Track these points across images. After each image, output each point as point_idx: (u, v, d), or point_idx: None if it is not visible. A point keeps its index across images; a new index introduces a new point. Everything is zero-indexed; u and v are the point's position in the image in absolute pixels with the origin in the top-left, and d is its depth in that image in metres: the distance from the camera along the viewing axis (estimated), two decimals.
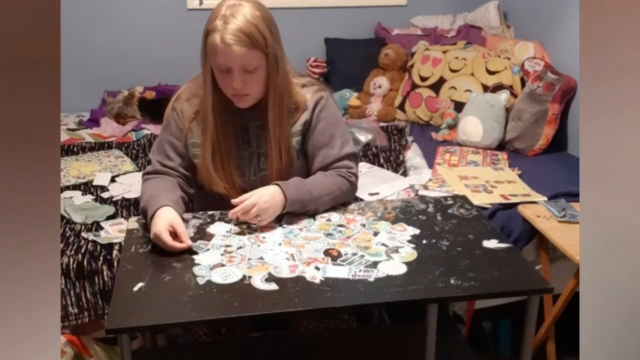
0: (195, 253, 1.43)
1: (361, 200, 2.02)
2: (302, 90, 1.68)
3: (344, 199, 1.69)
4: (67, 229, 1.94)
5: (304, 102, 1.67)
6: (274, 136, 1.62)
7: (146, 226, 1.54)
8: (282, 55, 1.59)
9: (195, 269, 1.36)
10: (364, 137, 2.77)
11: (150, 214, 1.50)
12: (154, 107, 3.00)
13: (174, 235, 1.44)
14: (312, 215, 1.62)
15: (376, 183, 2.28)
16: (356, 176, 1.71)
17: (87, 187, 2.26)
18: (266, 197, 1.53)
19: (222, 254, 1.42)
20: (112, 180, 2.32)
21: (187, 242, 1.44)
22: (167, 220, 1.45)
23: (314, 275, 1.33)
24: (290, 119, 1.65)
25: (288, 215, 1.61)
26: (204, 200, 1.75)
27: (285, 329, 2.07)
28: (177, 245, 1.42)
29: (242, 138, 1.67)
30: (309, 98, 1.67)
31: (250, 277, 1.33)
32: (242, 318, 1.24)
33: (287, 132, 1.65)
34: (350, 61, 3.29)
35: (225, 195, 1.64)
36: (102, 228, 1.94)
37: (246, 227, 1.55)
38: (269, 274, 1.34)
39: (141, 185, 1.68)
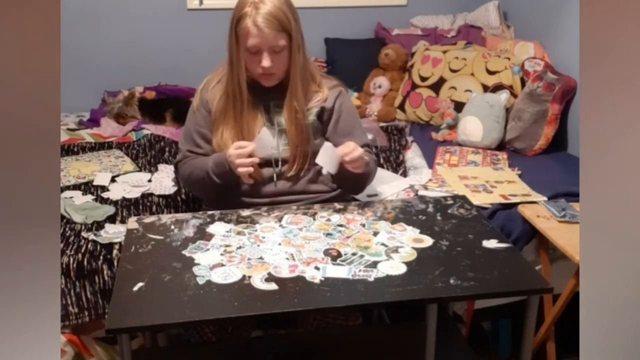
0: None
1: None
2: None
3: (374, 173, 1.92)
4: (67, 229, 1.94)
5: (323, 87, 1.85)
6: (293, 112, 1.78)
7: (146, 226, 1.56)
8: (302, 39, 1.78)
9: (195, 269, 1.36)
10: None
11: (220, 159, 1.75)
12: (154, 107, 2.99)
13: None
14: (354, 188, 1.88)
15: (376, 183, 2.28)
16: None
17: (87, 187, 2.26)
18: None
19: (222, 254, 1.42)
20: (113, 180, 2.32)
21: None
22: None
23: (313, 275, 1.33)
24: (307, 99, 1.81)
25: (288, 215, 1.61)
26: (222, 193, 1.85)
27: (290, 326, 2.07)
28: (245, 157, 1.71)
29: (266, 117, 1.82)
30: (329, 87, 1.86)
31: (250, 277, 1.33)
32: (242, 318, 1.24)
33: (303, 110, 1.79)
34: (350, 61, 3.28)
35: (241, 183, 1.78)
36: (102, 228, 1.94)
37: (246, 227, 1.55)
38: (269, 273, 1.34)
39: (179, 172, 1.89)
